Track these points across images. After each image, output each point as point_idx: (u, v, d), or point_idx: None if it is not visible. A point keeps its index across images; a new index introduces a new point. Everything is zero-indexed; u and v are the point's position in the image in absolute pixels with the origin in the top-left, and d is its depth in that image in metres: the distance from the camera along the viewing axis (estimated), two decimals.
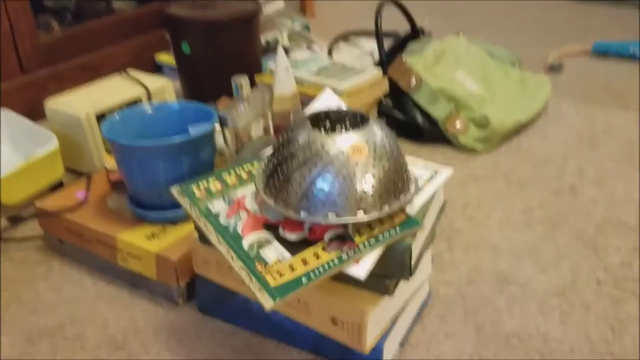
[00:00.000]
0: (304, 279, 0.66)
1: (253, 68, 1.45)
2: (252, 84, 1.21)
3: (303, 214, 0.70)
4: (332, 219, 0.69)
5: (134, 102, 1.25)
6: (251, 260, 0.69)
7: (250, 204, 0.77)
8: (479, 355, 0.81)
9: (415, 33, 1.51)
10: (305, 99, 1.20)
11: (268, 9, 1.75)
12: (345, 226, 0.71)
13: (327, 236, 0.71)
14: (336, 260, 0.68)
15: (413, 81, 1.33)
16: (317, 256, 0.68)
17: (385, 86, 1.32)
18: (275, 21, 1.78)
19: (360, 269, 0.68)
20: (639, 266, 0.96)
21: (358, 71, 1.28)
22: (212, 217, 0.75)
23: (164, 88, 1.30)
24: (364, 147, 0.69)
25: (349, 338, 0.75)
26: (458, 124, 1.31)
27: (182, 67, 1.47)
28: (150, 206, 0.94)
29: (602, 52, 1.79)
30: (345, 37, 1.64)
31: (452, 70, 1.39)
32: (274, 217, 0.74)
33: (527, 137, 1.37)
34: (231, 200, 0.77)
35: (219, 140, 1.04)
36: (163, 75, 1.68)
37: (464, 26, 1.99)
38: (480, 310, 0.89)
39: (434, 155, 1.31)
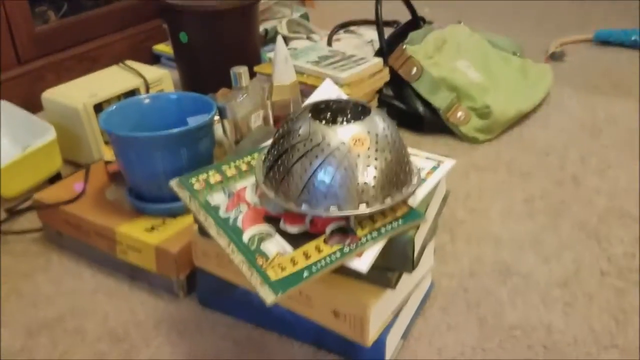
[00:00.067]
0: (305, 273, 0.65)
1: (252, 58, 1.44)
2: (251, 74, 1.20)
3: (304, 207, 0.69)
4: (334, 211, 0.68)
5: (132, 93, 1.24)
6: (252, 253, 0.68)
7: (250, 196, 0.76)
8: (482, 347, 0.81)
9: (416, 22, 1.50)
10: (305, 89, 1.19)
11: None
12: (347, 219, 0.70)
13: (328, 229, 0.70)
14: (338, 254, 0.67)
15: (414, 70, 1.32)
16: (318, 249, 0.68)
17: (385, 76, 1.31)
18: (274, 10, 1.76)
19: (362, 262, 0.67)
20: None
21: (358, 61, 1.27)
22: (212, 210, 0.74)
23: (162, 78, 1.29)
24: (366, 138, 0.68)
25: (351, 331, 0.74)
26: (459, 114, 1.30)
27: (180, 57, 1.46)
28: (149, 198, 0.94)
29: (604, 41, 1.78)
30: (345, 26, 1.63)
31: (454, 60, 1.37)
32: (275, 210, 0.73)
33: (528, 127, 1.36)
34: (231, 193, 0.77)
35: (218, 131, 1.03)
36: (161, 66, 1.67)
37: (465, 14, 1.98)
38: (482, 302, 0.88)
39: (435, 146, 1.30)
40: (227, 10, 1.37)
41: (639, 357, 0.79)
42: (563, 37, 1.78)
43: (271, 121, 1.13)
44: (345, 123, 0.76)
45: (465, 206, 1.09)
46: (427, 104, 1.32)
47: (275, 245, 0.69)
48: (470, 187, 1.15)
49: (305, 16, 1.81)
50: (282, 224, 0.71)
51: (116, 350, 0.82)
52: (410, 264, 0.71)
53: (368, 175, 0.68)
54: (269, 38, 1.67)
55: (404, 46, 1.35)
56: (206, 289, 0.87)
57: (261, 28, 1.60)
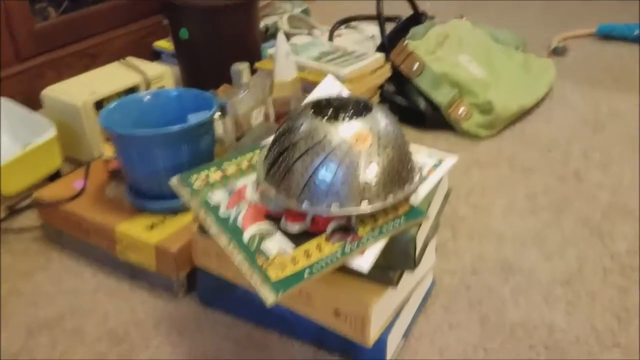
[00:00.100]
0: (306, 273, 0.64)
1: (253, 54, 1.43)
2: (252, 70, 1.19)
3: (305, 205, 0.68)
4: (335, 210, 0.67)
5: (132, 90, 1.23)
6: (252, 253, 0.67)
7: (251, 194, 0.75)
8: (484, 346, 0.80)
9: (418, 17, 1.49)
10: (306, 85, 1.18)
11: None
12: (348, 217, 0.69)
13: (330, 227, 0.69)
14: (339, 253, 0.66)
15: (415, 66, 1.31)
16: (319, 248, 0.67)
17: (387, 71, 1.30)
18: (275, 6, 1.75)
19: (364, 261, 0.66)
20: None
21: (360, 56, 1.26)
22: (212, 209, 0.74)
23: (162, 75, 1.29)
24: (368, 135, 0.68)
25: (352, 330, 0.73)
26: (461, 110, 1.29)
27: (181, 54, 1.45)
28: (149, 196, 0.93)
29: (607, 35, 1.77)
30: (346, 21, 1.62)
31: (455, 55, 1.36)
32: (276, 208, 0.72)
33: (531, 122, 1.35)
34: (231, 191, 0.76)
35: (219, 128, 1.02)
36: (162, 62, 1.66)
37: (467, 9, 1.96)
38: (484, 300, 0.87)
39: (436, 142, 1.29)
40: (228, 6, 1.37)
41: None
42: (565, 32, 1.77)
43: (272, 118, 1.12)
44: (347, 120, 0.76)
45: (467, 202, 1.09)
46: (428, 100, 1.31)
47: (275, 244, 0.68)
48: (472, 183, 1.14)
49: (306, 12, 1.80)
50: (282, 223, 0.71)
51: (116, 350, 0.82)
52: (412, 263, 0.71)
53: (370, 172, 0.67)
54: (270, 34, 1.66)
55: (406, 42, 1.34)
56: (206, 288, 0.87)
57: (262, 24, 1.59)
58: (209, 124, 0.93)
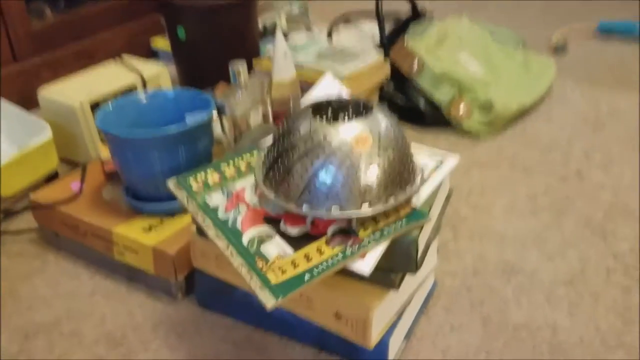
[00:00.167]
0: (306, 276, 0.63)
1: (251, 53, 1.42)
2: (250, 69, 1.18)
3: (305, 208, 0.67)
4: (336, 212, 0.66)
5: (129, 90, 1.22)
6: (251, 256, 0.66)
7: (249, 196, 0.74)
8: (486, 348, 0.79)
9: (417, 14, 1.48)
10: (305, 85, 1.17)
11: None
12: (349, 220, 0.68)
13: (330, 230, 0.68)
14: (340, 256, 0.65)
15: (415, 64, 1.30)
16: (320, 251, 0.66)
17: (386, 70, 1.29)
18: (273, 4, 1.74)
19: (365, 264, 0.65)
20: None
21: (359, 55, 1.25)
22: (211, 211, 0.73)
23: (159, 75, 1.27)
24: (368, 136, 0.67)
25: (354, 333, 0.72)
26: (461, 109, 1.28)
27: (177, 53, 1.44)
28: (146, 198, 0.92)
29: (607, 32, 1.76)
30: (345, 19, 1.61)
31: (455, 53, 1.35)
32: (275, 211, 0.71)
33: (531, 121, 1.34)
34: (230, 193, 0.75)
35: (217, 128, 1.01)
36: (159, 61, 1.65)
37: (467, 7, 1.95)
38: (486, 301, 0.86)
39: (437, 141, 1.28)
40: (226, 5, 1.35)
41: None
42: (566, 27, 1.76)
43: (271, 118, 1.11)
44: (346, 121, 0.75)
45: (468, 203, 1.08)
46: (428, 98, 1.30)
47: (275, 247, 0.67)
48: (473, 183, 1.13)
49: (304, 10, 1.79)
50: (282, 225, 0.70)
51: (114, 353, 0.81)
52: (414, 265, 0.70)
53: (371, 174, 0.66)
54: (268, 33, 1.65)
55: (405, 40, 1.33)
56: (205, 290, 0.86)
57: (260, 22, 1.58)
58: (206, 125, 0.92)
